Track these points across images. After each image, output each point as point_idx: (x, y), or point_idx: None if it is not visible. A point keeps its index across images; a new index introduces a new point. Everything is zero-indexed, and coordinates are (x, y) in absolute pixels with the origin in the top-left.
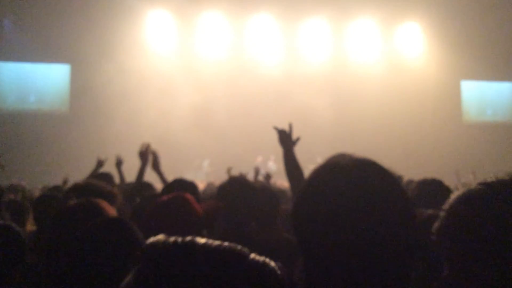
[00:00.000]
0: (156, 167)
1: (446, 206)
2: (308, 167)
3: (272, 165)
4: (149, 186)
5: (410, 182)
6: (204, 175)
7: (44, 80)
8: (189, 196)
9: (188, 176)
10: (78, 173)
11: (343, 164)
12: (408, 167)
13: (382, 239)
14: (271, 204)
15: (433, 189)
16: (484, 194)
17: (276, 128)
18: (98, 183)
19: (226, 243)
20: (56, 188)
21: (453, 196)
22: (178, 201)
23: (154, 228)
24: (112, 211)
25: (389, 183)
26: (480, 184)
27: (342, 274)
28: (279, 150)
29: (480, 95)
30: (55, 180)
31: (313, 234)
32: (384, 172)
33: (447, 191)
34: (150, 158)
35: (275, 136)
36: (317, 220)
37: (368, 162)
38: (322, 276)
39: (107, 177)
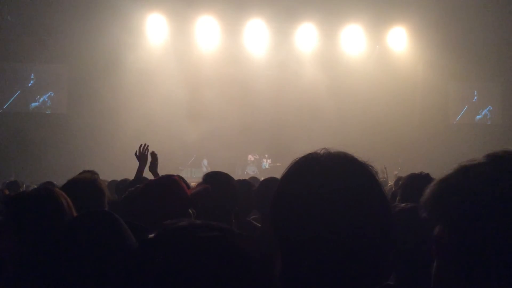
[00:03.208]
0: (153, 168)
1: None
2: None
3: (265, 162)
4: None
5: (400, 178)
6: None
7: (41, 80)
8: (176, 177)
9: (184, 174)
10: (75, 173)
11: (319, 157)
12: (397, 165)
13: (357, 231)
14: (249, 195)
15: (422, 182)
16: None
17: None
18: (84, 177)
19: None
20: (49, 183)
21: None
22: (166, 181)
23: (142, 206)
24: (66, 199)
25: (365, 177)
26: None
27: (317, 266)
28: (272, 149)
29: (466, 96)
30: (52, 178)
31: (289, 225)
32: (360, 165)
33: None
34: (149, 159)
35: (268, 136)
36: (293, 212)
37: (344, 156)
38: (298, 268)
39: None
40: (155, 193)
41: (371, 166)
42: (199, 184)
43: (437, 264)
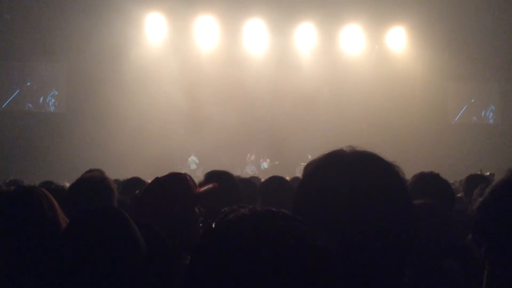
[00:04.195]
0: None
1: (481, 201)
2: (300, 165)
3: (264, 162)
4: (142, 182)
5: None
6: (191, 171)
7: (40, 79)
8: (184, 175)
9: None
10: (74, 171)
11: (345, 155)
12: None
13: (381, 228)
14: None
15: (431, 182)
16: None
17: None
18: (93, 175)
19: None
20: (47, 182)
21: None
22: (174, 178)
23: (150, 202)
24: (47, 199)
25: (390, 175)
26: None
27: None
28: (271, 149)
29: (465, 96)
30: (51, 177)
31: (313, 222)
32: (385, 164)
33: (445, 184)
34: None
35: (267, 135)
36: (317, 209)
37: (369, 154)
38: None
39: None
40: (162, 189)
41: (397, 166)
42: (201, 183)
43: (488, 273)
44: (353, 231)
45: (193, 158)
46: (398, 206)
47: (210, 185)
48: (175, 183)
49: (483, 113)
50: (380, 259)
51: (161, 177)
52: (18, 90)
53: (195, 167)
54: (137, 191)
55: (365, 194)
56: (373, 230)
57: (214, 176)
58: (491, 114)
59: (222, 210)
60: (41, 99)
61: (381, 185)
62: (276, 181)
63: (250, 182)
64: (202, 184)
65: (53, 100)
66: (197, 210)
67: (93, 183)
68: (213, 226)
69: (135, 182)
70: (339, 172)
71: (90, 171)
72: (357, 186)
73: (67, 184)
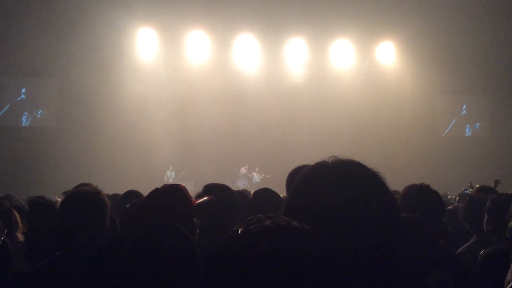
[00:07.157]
0: None
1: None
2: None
3: (256, 175)
4: (138, 194)
5: (395, 192)
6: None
7: (31, 94)
8: (182, 187)
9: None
10: (65, 187)
11: (328, 166)
12: (387, 178)
13: (367, 235)
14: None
15: (422, 193)
16: None
17: None
18: (87, 189)
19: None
20: (40, 197)
21: None
22: (173, 189)
23: (149, 212)
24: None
25: (374, 182)
26: None
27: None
28: (262, 162)
29: (455, 109)
30: (41, 192)
31: None
32: (369, 173)
33: (435, 195)
34: None
35: (259, 149)
36: (306, 216)
37: (354, 163)
38: None
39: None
40: (162, 200)
41: (379, 172)
42: (200, 195)
43: None
44: (341, 242)
45: (170, 173)
46: (384, 212)
47: (207, 198)
48: (174, 194)
49: (472, 126)
50: (369, 269)
51: (161, 188)
52: (8, 105)
53: (171, 181)
54: (127, 205)
55: (350, 204)
56: (360, 240)
57: (212, 189)
58: (481, 127)
59: (249, 218)
60: (31, 114)
61: (365, 194)
62: (265, 193)
63: (243, 195)
64: (199, 196)
65: (43, 113)
66: (194, 221)
67: (86, 197)
68: (239, 232)
69: (131, 195)
70: (323, 184)
71: (81, 185)
72: (339, 197)
73: (58, 199)
